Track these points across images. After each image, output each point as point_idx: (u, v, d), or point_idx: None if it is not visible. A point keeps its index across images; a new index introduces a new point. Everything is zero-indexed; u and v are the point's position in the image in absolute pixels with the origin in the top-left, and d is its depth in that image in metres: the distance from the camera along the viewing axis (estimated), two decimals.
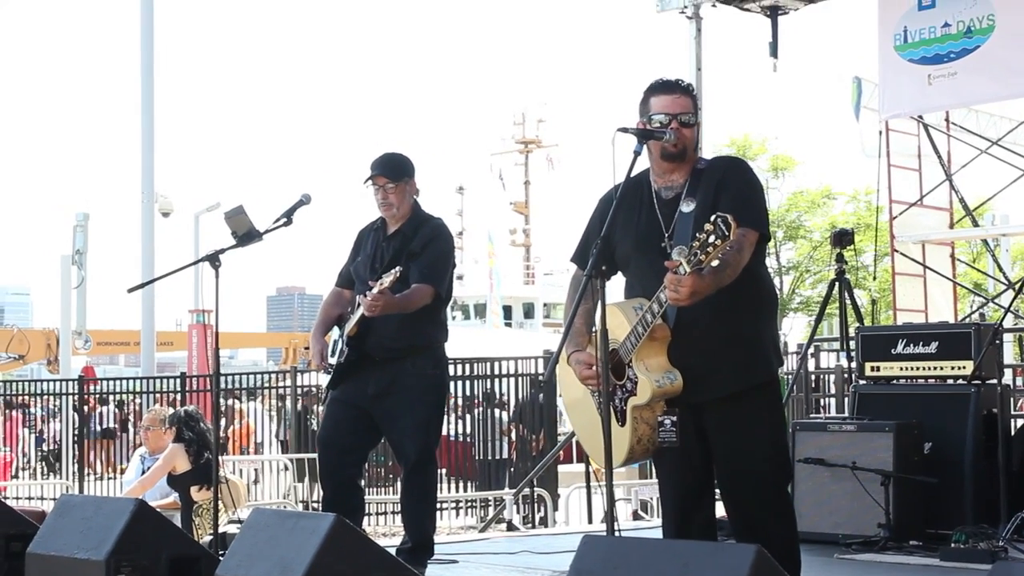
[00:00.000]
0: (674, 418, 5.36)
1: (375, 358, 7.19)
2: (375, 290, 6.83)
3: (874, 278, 23.03)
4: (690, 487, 5.60)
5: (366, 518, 10.69)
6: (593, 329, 5.53)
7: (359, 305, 7.08)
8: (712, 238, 4.90)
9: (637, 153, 5.53)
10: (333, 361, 7.31)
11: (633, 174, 5.51)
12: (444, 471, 17.72)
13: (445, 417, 8.50)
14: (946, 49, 13.00)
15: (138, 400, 21.62)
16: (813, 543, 6.51)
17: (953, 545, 7.69)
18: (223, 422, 19.99)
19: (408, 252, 7.17)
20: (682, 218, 5.44)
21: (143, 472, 11.50)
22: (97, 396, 23.06)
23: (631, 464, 5.77)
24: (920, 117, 15.34)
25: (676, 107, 5.51)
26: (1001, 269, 21.11)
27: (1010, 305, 11.20)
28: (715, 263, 4.96)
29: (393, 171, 7.29)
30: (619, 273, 5.69)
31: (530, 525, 15.11)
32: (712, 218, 4.91)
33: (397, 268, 6.87)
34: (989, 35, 12.72)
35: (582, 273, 5.55)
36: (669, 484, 5.70)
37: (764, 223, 5.46)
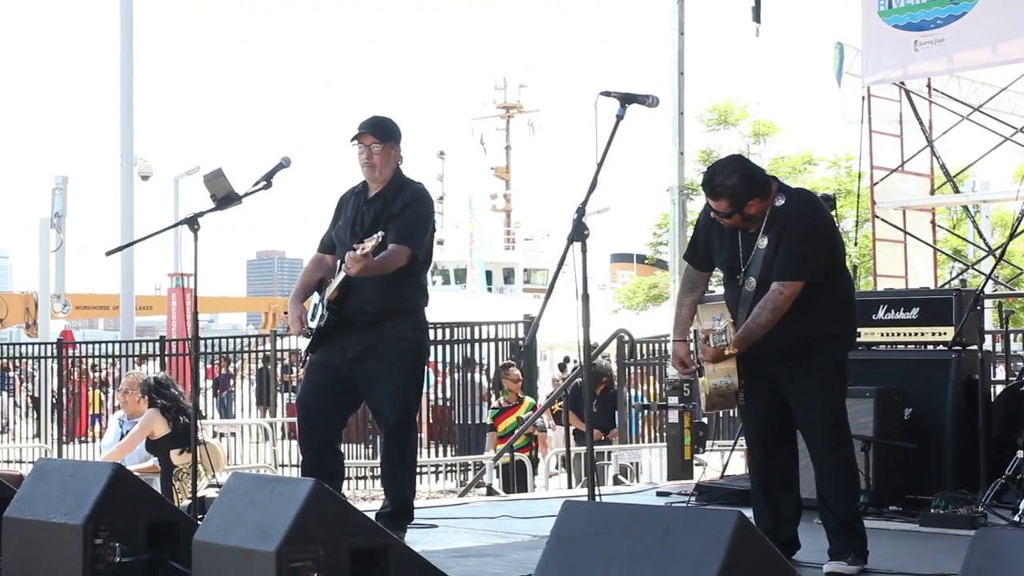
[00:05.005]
0: (742, 393, 6.33)
1: (355, 322, 7.15)
2: (357, 253, 6.77)
3: (855, 244, 23.03)
4: (765, 436, 6.57)
5: (345, 482, 10.67)
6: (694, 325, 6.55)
7: (340, 269, 7.03)
8: (723, 338, 6.09)
9: (620, 117, 5.66)
10: (313, 325, 7.27)
11: (615, 138, 5.57)
12: (424, 435, 17.72)
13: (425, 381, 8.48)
14: (932, 15, 12.96)
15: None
16: None
17: (933, 511, 7.70)
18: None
19: (388, 215, 7.12)
20: (758, 253, 6.27)
21: (122, 436, 11.46)
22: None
23: (712, 411, 7.06)
24: (902, 83, 15.33)
25: (720, 208, 6.25)
26: (981, 235, 21.19)
27: (991, 271, 11.21)
28: (732, 349, 6.11)
29: (381, 132, 7.26)
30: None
31: (510, 489, 15.10)
32: (725, 326, 6.11)
33: (380, 233, 6.81)
34: (975, 1, 12.68)
35: (692, 269, 6.67)
36: (749, 431, 6.66)
37: (807, 272, 6.19)
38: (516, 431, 14.82)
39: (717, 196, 6.23)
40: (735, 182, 6.19)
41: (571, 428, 17.30)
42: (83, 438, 22.04)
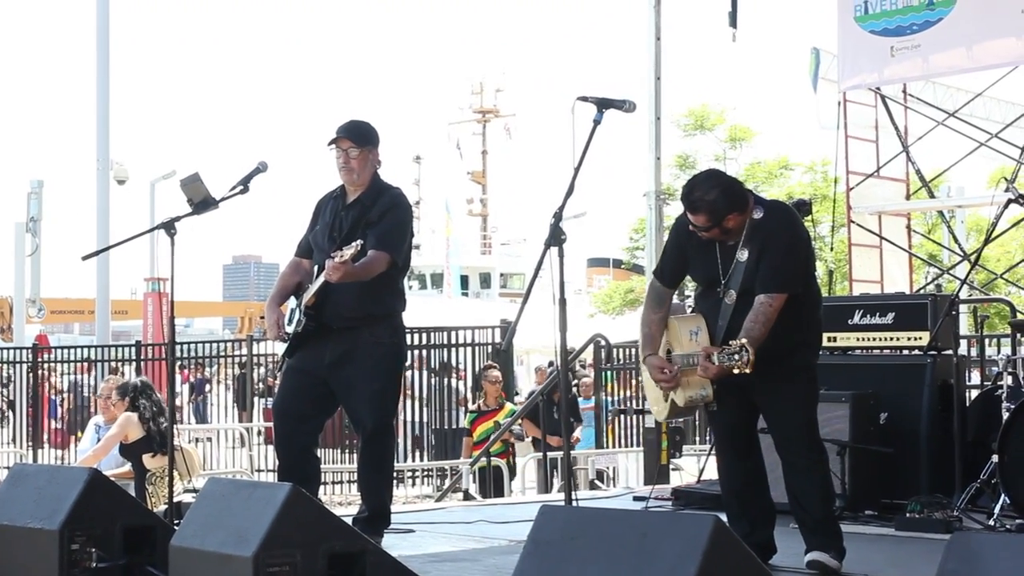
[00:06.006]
0: (714, 404, 6.45)
1: (332, 327, 7.14)
2: (337, 260, 6.76)
3: (831, 249, 23.14)
4: (737, 441, 6.61)
5: (322, 487, 10.66)
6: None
7: (319, 274, 7.02)
8: (736, 357, 5.95)
9: (597, 122, 5.71)
10: (290, 330, 7.26)
11: (592, 143, 5.59)
12: (400, 440, 17.68)
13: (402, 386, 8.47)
14: (908, 21, 13.01)
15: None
16: None
17: (908, 515, 7.72)
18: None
19: (366, 221, 7.12)
20: (738, 266, 6.33)
21: (98, 441, 11.43)
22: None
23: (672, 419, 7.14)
24: (878, 88, 15.38)
25: (698, 223, 6.28)
26: (956, 240, 21.27)
27: (966, 276, 11.24)
28: (749, 369, 5.97)
29: (358, 136, 7.25)
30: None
31: (487, 494, 15.08)
32: (741, 344, 5.95)
33: (358, 241, 6.79)
34: (951, 7, 12.75)
35: (660, 285, 6.69)
36: (722, 438, 6.70)
37: (791, 285, 6.29)
38: (492, 437, 14.79)
39: (696, 210, 6.26)
40: (714, 197, 6.21)
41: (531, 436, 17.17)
42: (55, 444, 21.93)
